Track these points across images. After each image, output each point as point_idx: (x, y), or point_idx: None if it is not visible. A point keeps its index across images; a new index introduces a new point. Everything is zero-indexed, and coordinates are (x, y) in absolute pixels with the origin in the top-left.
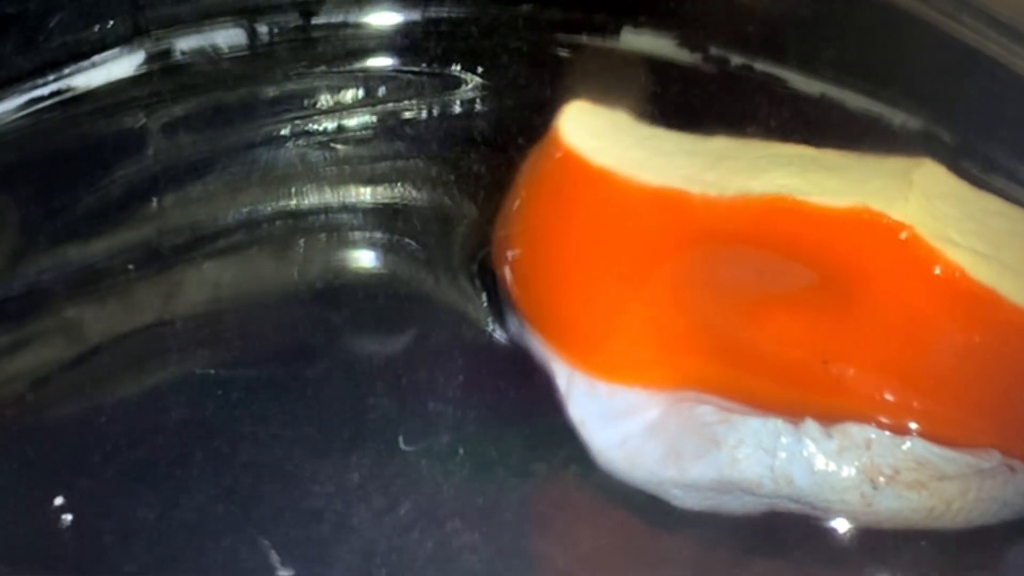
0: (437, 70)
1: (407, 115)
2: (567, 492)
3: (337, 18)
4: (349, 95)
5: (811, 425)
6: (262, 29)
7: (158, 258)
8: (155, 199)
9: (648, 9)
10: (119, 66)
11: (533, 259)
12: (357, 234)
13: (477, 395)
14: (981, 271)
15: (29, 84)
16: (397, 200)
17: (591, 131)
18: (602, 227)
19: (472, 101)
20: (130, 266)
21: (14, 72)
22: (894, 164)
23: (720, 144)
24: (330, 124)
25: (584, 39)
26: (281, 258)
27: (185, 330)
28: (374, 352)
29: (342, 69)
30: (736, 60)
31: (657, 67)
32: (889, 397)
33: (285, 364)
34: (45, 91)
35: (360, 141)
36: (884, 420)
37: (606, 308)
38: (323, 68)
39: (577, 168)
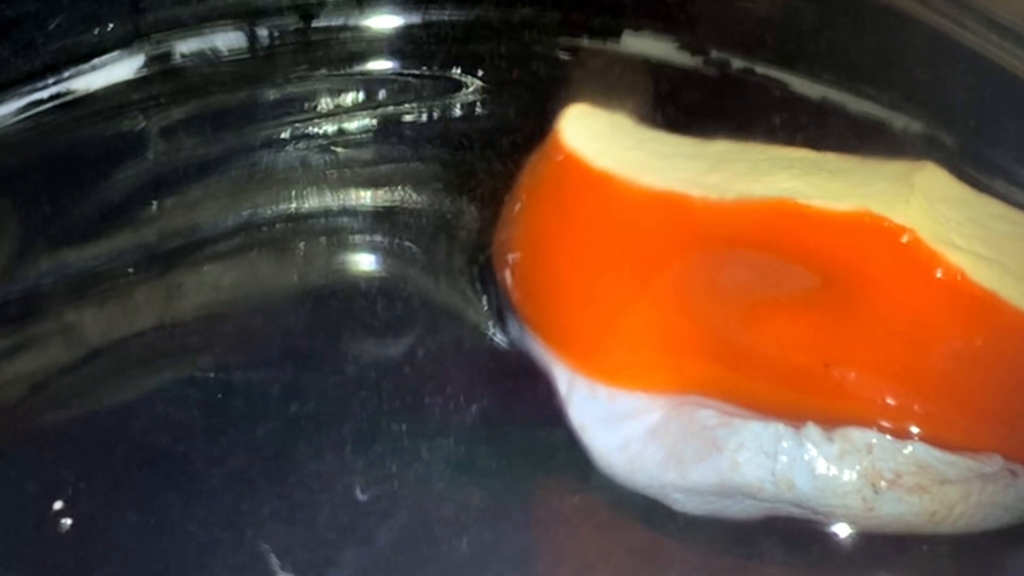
0: (437, 73)
1: (407, 118)
2: (568, 496)
3: (337, 21)
4: (349, 98)
5: (812, 429)
6: (262, 32)
7: (158, 261)
8: (155, 202)
9: (649, 12)
10: (119, 69)
11: (534, 262)
12: (357, 237)
13: (477, 399)
14: (983, 274)
15: (28, 87)
16: (397, 203)
17: (592, 134)
18: (603, 230)
19: (473, 104)
20: (130, 269)
21: (13, 75)
22: (895, 167)
23: (721, 147)
24: (330, 127)
25: (585, 42)
26: (281, 261)
27: (185, 333)
28: (374, 356)
29: (342, 72)
30: (737, 63)
31: (658, 70)
32: (890, 401)
33: (285, 368)
34: (44, 94)
35: (360, 144)
36: (885, 424)
37: (607, 311)
38: (323, 71)
39: (578, 171)
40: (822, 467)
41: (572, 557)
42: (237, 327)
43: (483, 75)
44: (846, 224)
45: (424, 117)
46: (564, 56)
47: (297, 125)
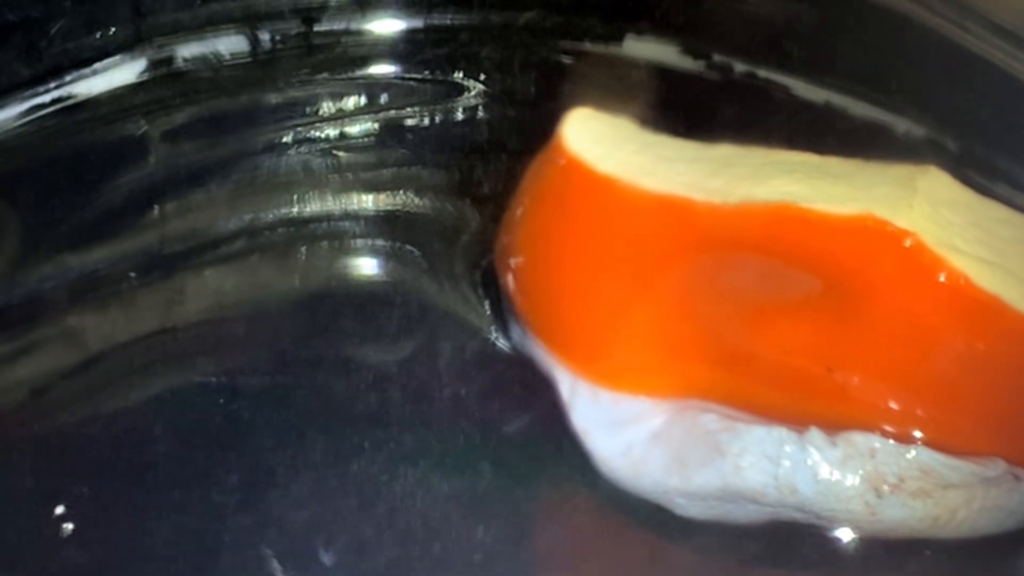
0: (439, 77)
1: (409, 122)
2: (570, 501)
3: (339, 25)
4: (351, 102)
5: (815, 434)
6: (264, 36)
7: (160, 265)
8: (156, 206)
9: (651, 16)
10: (121, 73)
11: (536, 266)
12: (359, 242)
13: (479, 403)
14: (986, 278)
15: (30, 91)
16: (399, 207)
17: (594, 138)
18: (605, 234)
19: (474, 108)
20: (131, 274)
21: (15, 79)
22: (898, 171)
23: (724, 151)
24: (332, 131)
25: (587, 46)
26: (283, 266)
27: (187, 338)
28: (377, 360)
29: (344, 76)
30: (740, 67)
31: (660, 74)
32: (893, 405)
33: (287, 372)
34: (46, 98)
35: (362, 148)
36: (888, 428)
37: (609, 316)
38: (325, 75)
39: (580, 175)
40: (825, 472)
41: (575, 562)
42: (239, 331)
43: (485, 79)
44: (849, 228)
45: (426, 121)
46: (566, 60)
47: (299, 129)
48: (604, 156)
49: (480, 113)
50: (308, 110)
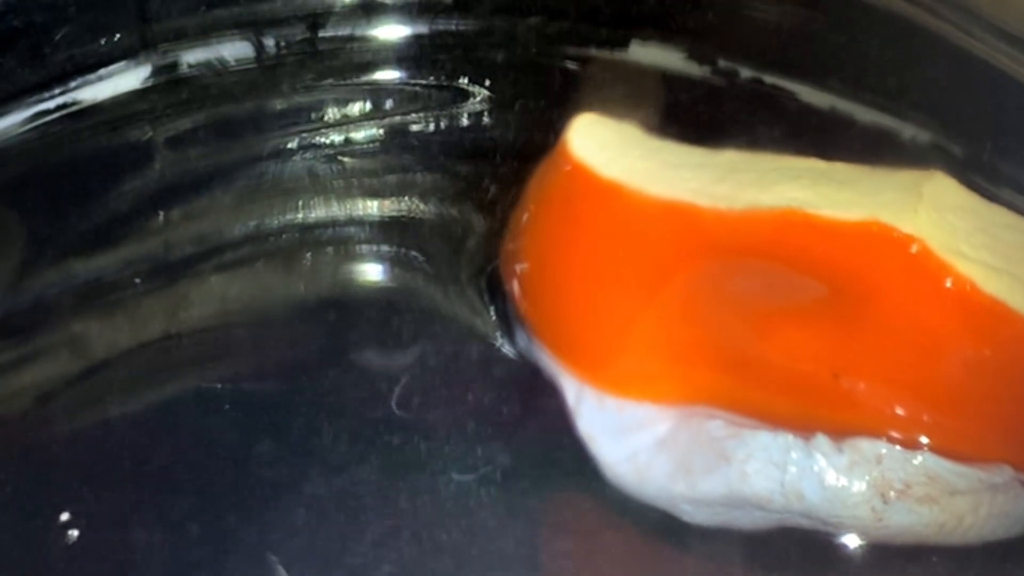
0: (445, 83)
1: (414, 128)
2: (576, 507)
3: (344, 31)
4: (356, 108)
5: (821, 440)
6: (269, 42)
7: (165, 272)
8: (162, 212)
9: (656, 22)
10: (125, 79)
11: (541, 272)
12: (364, 247)
13: (485, 409)
14: (992, 284)
15: (35, 97)
16: (405, 213)
17: (600, 144)
18: (611, 240)
19: (480, 114)
20: (136, 280)
21: (20, 85)
22: (904, 177)
23: (729, 157)
24: (337, 137)
25: (592, 51)
26: (288, 272)
27: (192, 344)
28: (382, 366)
29: (349, 82)
30: (745, 73)
31: (666, 80)
32: (900, 411)
33: (292, 378)
34: (51, 104)
35: (367, 154)
36: (895, 434)
37: (615, 322)
38: (330, 81)
39: (586, 181)
40: (831, 478)
41: (581, 568)
42: (244, 338)
43: (490, 85)
44: (855, 234)
45: (431, 127)
46: (572, 66)
47: (304, 135)
48: (609, 162)
49: (485, 119)
50: (313, 116)
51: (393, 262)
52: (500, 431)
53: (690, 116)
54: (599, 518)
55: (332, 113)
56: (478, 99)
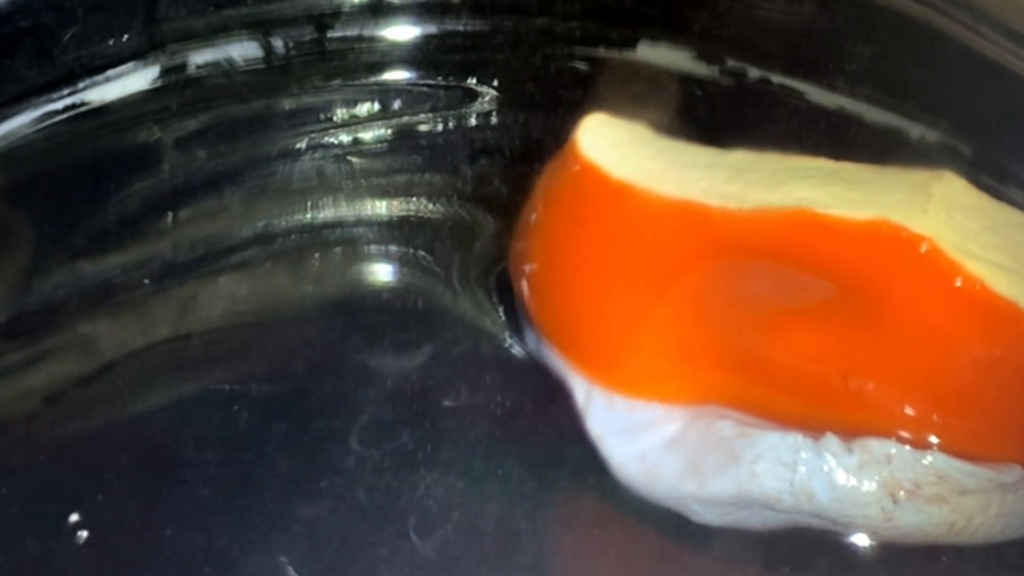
0: (453, 83)
1: (423, 128)
2: (586, 507)
3: (353, 31)
4: (365, 108)
5: (831, 440)
6: (277, 43)
7: (173, 272)
8: (170, 213)
9: (665, 22)
10: (134, 80)
11: (551, 273)
12: (373, 248)
13: (494, 410)
14: (1001, 284)
15: (43, 98)
16: (413, 214)
17: (609, 144)
18: (620, 240)
19: (488, 114)
20: (145, 280)
21: (28, 86)
22: (913, 177)
23: (739, 157)
24: (346, 137)
25: (601, 52)
26: (297, 272)
27: (200, 345)
28: (391, 367)
29: (358, 82)
30: (754, 73)
31: (674, 80)
32: (909, 411)
33: (301, 379)
34: (59, 105)
35: (376, 154)
36: (904, 434)
37: (624, 322)
38: (339, 81)
39: (595, 181)
40: (841, 478)
41: (591, 568)
42: (253, 338)
43: (499, 85)
44: (864, 234)
45: (440, 127)
46: (581, 66)
47: (312, 136)
48: (619, 162)
49: (494, 119)
50: (322, 116)
51: (402, 262)
52: (510, 431)
53: (699, 116)
54: (609, 518)
55: (340, 113)
56: (487, 99)
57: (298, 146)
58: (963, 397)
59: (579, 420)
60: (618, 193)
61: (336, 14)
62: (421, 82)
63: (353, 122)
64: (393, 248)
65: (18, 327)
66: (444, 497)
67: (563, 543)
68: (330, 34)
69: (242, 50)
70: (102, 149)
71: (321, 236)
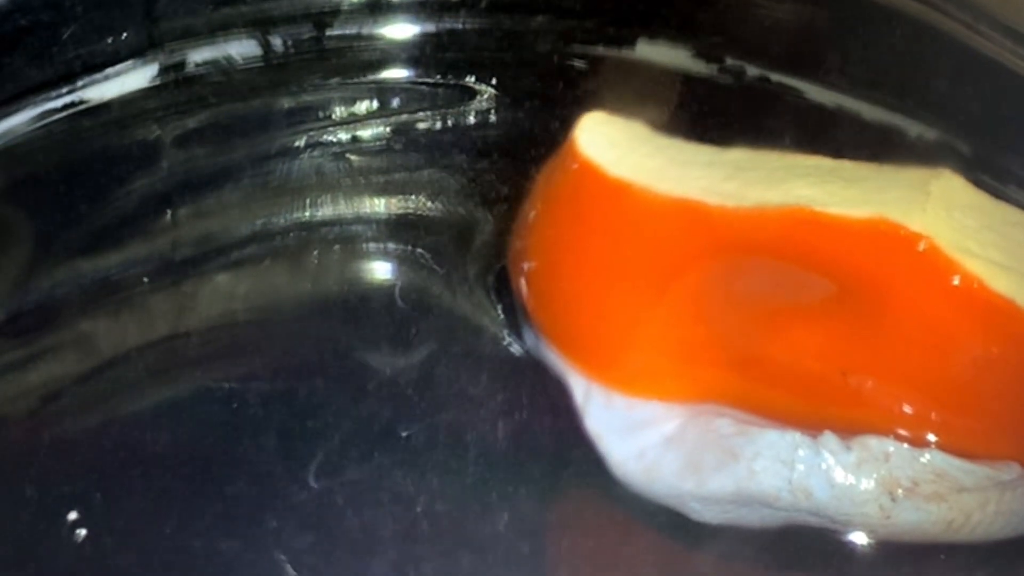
0: (452, 81)
1: (422, 126)
2: (584, 505)
3: (351, 30)
4: (363, 107)
5: (829, 438)
6: (276, 41)
7: (172, 270)
8: (169, 211)
9: (664, 20)
10: (133, 78)
11: (549, 271)
12: (372, 246)
13: (493, 408)
14: (1000, 282)
15: (42, 96)
16: (412, 212)
17: (608, 142)
18: (619, 239)
19: (487, 112)
20: (144, 279)
21: (27, 84)
22: (912, 175)
23: (737, 155)
24: (345, 136)
25: (600, 50)
26: (296, 270)
27: (199, 343)
28: (389, 365)
29: (357, 80)
30: (752, 71)
31: (673, 78)
32: (908, 409)
33: (300, 377)
34: (58, 103)
35: (375, 153)
36: (903, 432)
37: (623, 320)
38: (337, 80)
39: (594, 179)
40: (839, 476)
41: (589, 566)
42: (252, 336)
43: (497, 83)
44: (863, 232)
45: (438, 125)
46: (579, 64)
47: (311, 134)
48: (617, 160)
49: (492, 117)
50: (320, 114)
51: (400, 260)
52: (508, 430)
53: (698, 114)
54: (607, 516)
55: (339, 112)
56: (485, 97)
57: (297, 144)
58: (961, 395)
59: (578, 418)
60: (617, 191)
61: (335, 12)
62: (420, 80)
63: (352, 120)
64: (392, 246)
65: (17, 325)
66: (443, 495)
67: (561, 541)
68: (329, 32)
69: (241, 48)
70: (101, 147)
71: (320, 234)
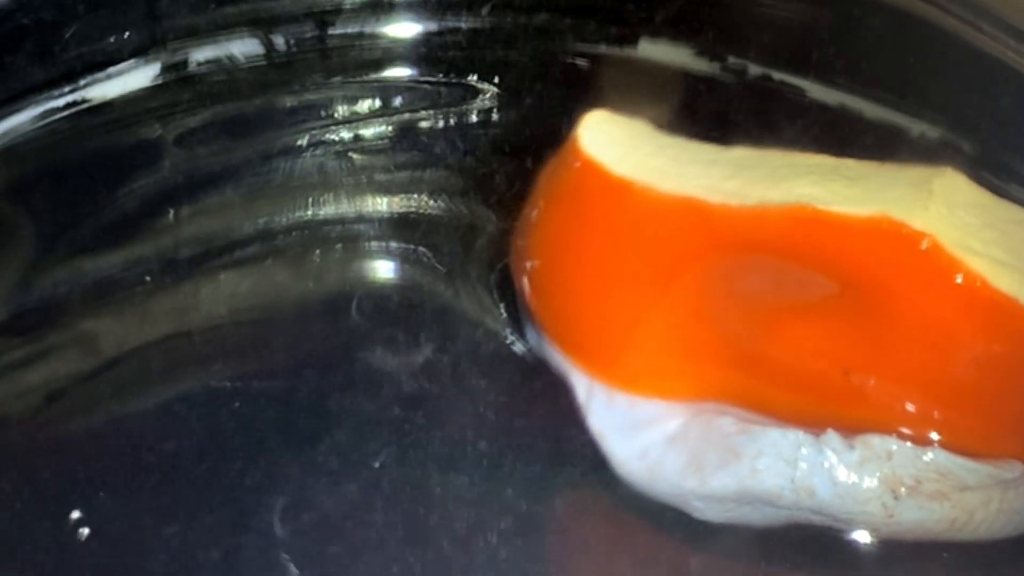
0: (454, 80)
1: (424, 125)
2: (587, 504)
3: (353, 28)
4: (366, 105)
5: (832, 436)
6: (278, 39)
7: (174, 269)
8: (171, 210)
9: (666, 19)
10: (135, 77)
11: (552, 269)
12: (374, 245)
13: (495, 407)
14: (1003, 280)
15: (45, 95)
16: (414, 210)
17: (610, 140)
18: (621, 237)
19: (489, 111)
20: (146, 278)
21: (29, 83)
22: (914, 173)
23: (740, 153)
24: (347, 134)
25: (602, 48)
26: (298, 269)
27: (201, 342)
28: (392, 364)
29: (359, 79)
30: (754, 70)
31: (675, 77)
32: (910, 407)
33: (302, 376)
34: (60, 102)
35: (377, 151)
36: (905, 431)
37: (625, 319)
38: (340, 78)
39: (596, 178)
40: (842, 474)
41: (592, 565)
42: (254, 335)
43: (500, 82)
44: (865, 230)
45: (441, 124)
46: (581, 63)
47: (314, 132)
48: (620, 159)
49: (495, 116)
50: (323, 113)
51: (403, 259)
52: (511, 428)
53: (700, 113)
54: (610, 515)
55: (342, 110)
56: (487, 96)
57: (299, 143)
58: (964, 393)
59: (580, 417)
60: (619, 190)
61: (337, 11)
62: (422, 79)
63: (354, 119)
64: (394, 245)
65: (19, 324)
66: (445, 493)
67: (564, 540)
68: (331, 31)
69: (243, 47)
70: (103, 146)
71: (322, 233)
